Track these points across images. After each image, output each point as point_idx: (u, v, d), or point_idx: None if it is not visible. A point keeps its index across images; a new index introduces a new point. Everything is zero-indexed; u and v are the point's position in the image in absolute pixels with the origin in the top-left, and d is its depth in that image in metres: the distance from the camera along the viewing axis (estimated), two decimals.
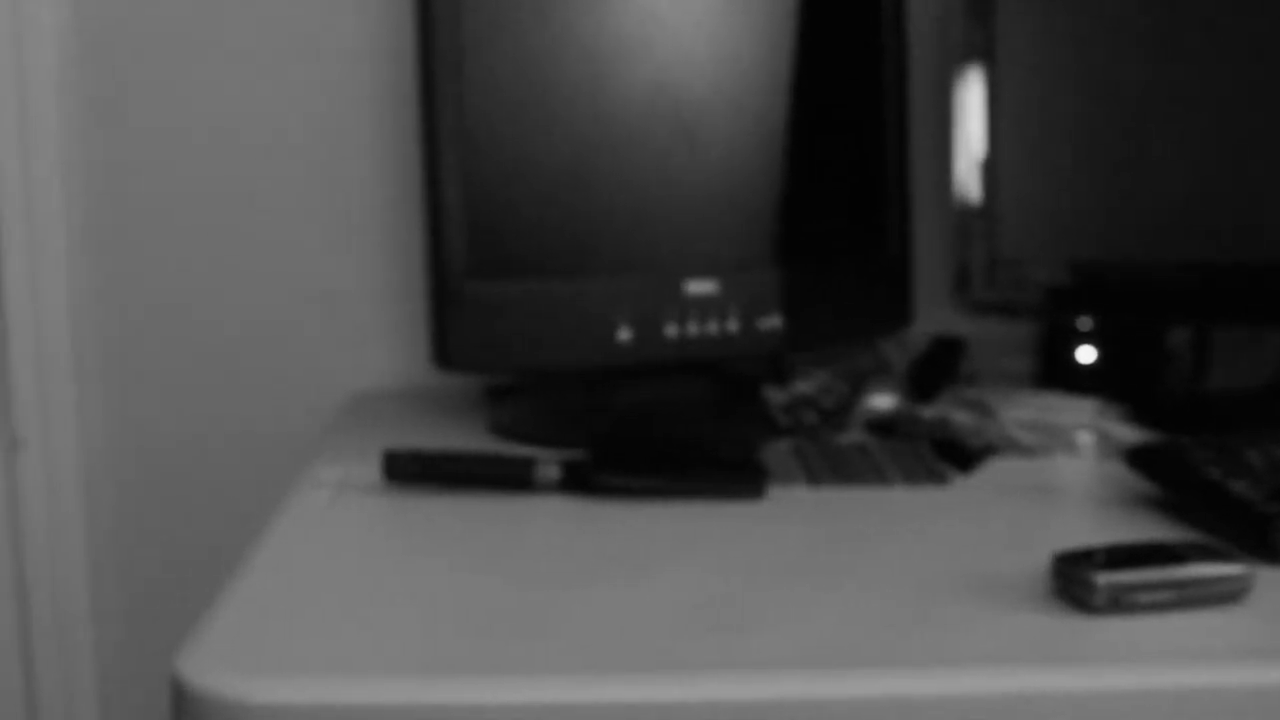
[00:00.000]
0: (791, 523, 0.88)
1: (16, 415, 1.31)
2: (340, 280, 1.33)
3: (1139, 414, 1.08)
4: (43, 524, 1.32)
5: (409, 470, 0.95)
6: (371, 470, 1.00)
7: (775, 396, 1.10)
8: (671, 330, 1.09)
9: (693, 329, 1.10)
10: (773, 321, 1.13)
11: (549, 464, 0.94)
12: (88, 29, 1.30)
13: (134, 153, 1.31)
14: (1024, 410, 1.07)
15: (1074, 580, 0.71)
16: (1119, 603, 0.70)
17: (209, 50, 1.30)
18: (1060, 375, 1.21)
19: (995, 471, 1.00)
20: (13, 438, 1.32)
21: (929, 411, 1.09)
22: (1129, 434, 1.04)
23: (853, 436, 1.09)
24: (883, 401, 1.12)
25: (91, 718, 1.36)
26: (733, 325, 1.11)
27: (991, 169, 1.21)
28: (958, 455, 1.02)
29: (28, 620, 1.33)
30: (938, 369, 1.20)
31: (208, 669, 0.64)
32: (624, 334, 1.08)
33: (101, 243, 1.32)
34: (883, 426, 1.10)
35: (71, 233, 1.32)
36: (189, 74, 1.31)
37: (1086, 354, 1.21)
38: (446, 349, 1.04)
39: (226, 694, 0.62)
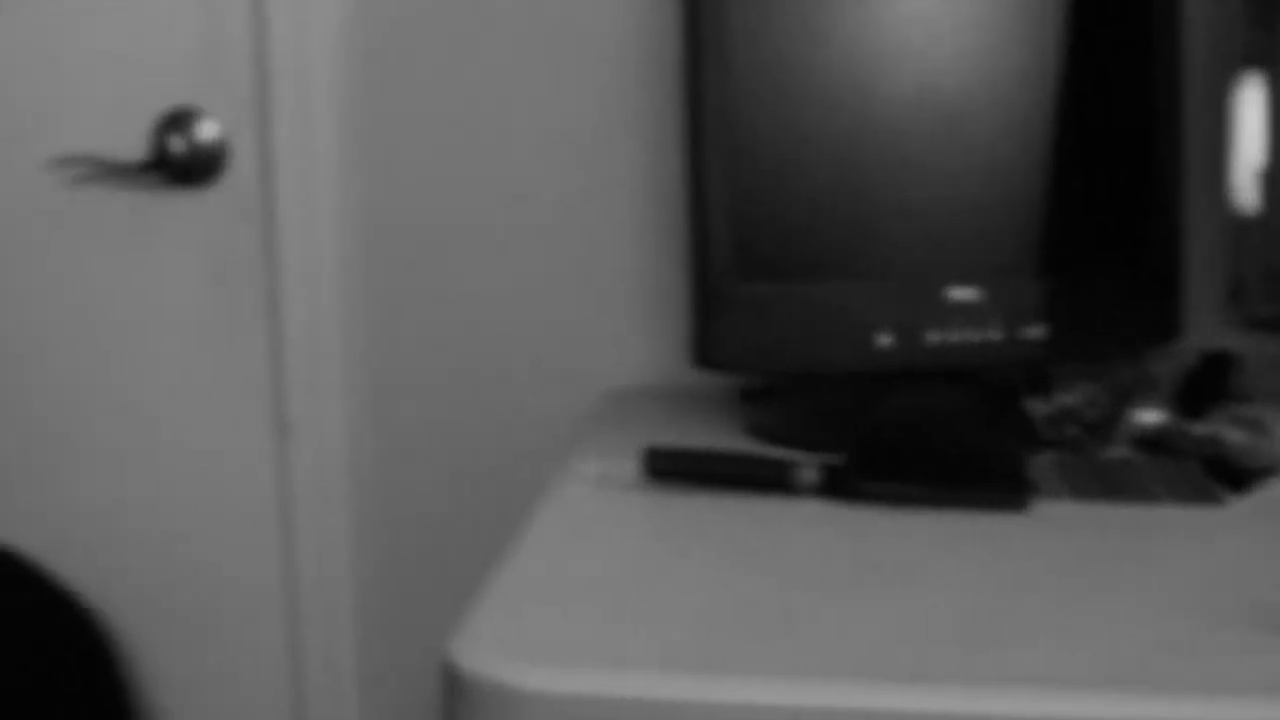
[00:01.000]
0: (1056, 537, 0.86)
1: (288, 401, 1.37)
2: (602, 277, 1.35)
3: None
4: (311, 508, 1.38)
5: (670, 468, 0.96)
6: (629, 466, 1.02)
7: (1038, 408, 1.08)
8: (932, 337, 1.08)
9: (954, 336, 1.08)
10: (1036, 331, 1.11)
11: (808, 467, 0.94)
12: (363, 31, 1.34)
13: (402, 151, 1.36)
14: None
15: None
16: None
17: (479, 53, 1.34)
18: None
19: (1273, 493, 0.96)
20: (284, 423, 1.38)
21: (1199, 428, 1.05)
22: None
23: (1117, 451, 1.06)
24: (1149, 417, 1.09)
25: (354, 701, 1.41)
26: (994, 334, 1.09)
27: (1271, 178, 1.17)
28: (1230, 475, 0.98)
29: (295, 599, 1.39)
30: (1208, 385, 1.16)
31: (481, 655, 0.66)
32: (884, 339, 1.07)
33: (371, 234, 1.37)
34: (1149, 443, 1.07)
35: (343, 226, 1.37)
36: (459, 74, 1.34)
37: None
38: (708, 348, 1.05)
39: (500, 681, 0.64)
